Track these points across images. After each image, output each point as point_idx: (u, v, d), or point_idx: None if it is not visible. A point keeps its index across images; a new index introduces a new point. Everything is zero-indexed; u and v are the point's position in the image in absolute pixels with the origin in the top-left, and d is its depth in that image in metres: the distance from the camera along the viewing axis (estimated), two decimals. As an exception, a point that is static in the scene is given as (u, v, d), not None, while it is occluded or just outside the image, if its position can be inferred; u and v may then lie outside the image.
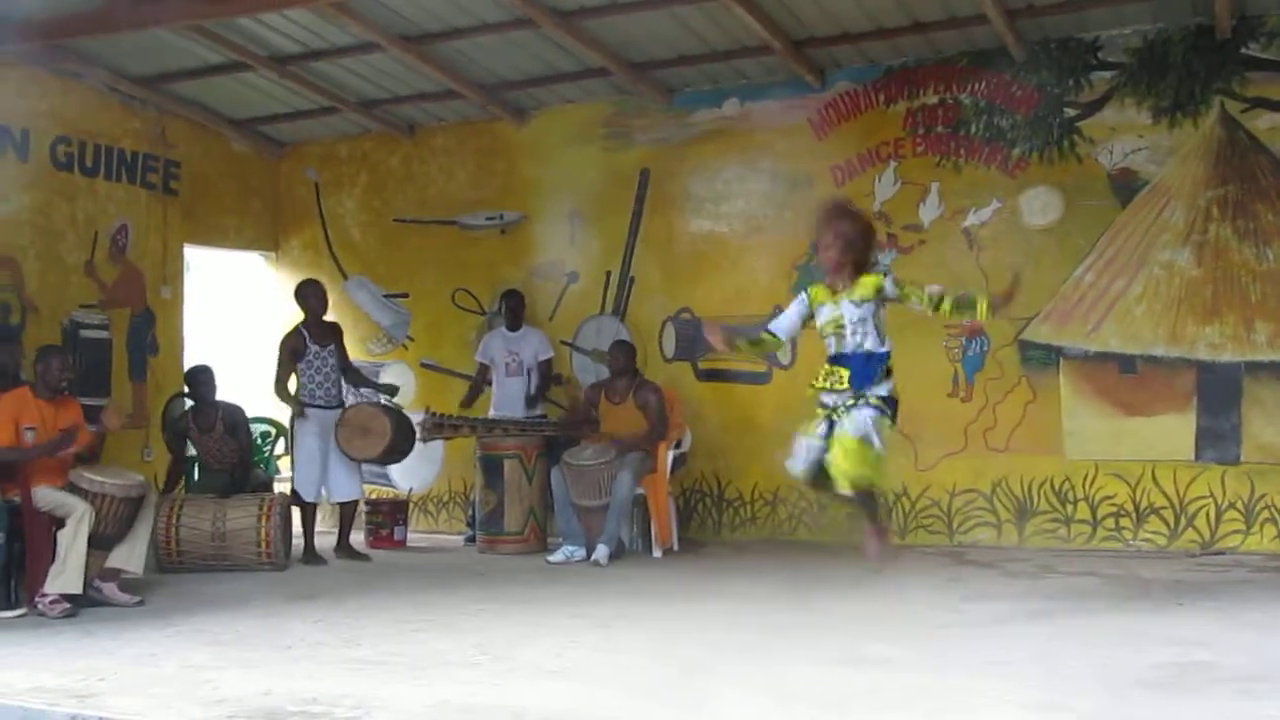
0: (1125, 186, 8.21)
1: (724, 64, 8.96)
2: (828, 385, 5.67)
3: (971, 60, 8.62)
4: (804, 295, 5.86)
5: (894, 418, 5.67)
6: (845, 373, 5.63)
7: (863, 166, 8.91)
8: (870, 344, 5.65)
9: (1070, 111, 8.36)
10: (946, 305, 5.61)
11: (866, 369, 5.62)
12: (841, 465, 5.46)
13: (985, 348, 8.52)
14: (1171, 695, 4.21)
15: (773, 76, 9.07)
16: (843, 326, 5.66)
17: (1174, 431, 8.02)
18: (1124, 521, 8.12)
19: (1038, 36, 8.35)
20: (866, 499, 5.66)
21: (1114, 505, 8.14)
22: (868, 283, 5.67)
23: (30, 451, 6.61)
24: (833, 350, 5.74)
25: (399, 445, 8.58)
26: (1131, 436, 8.12)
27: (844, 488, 5.52)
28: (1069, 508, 8.25)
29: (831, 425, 5.62)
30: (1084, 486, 8.22)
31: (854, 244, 5.70)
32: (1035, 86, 8.45)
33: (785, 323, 5.88)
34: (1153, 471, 8.05)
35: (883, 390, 5.62)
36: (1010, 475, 8.41)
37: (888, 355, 5.68)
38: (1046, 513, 8.31)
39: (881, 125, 8.86)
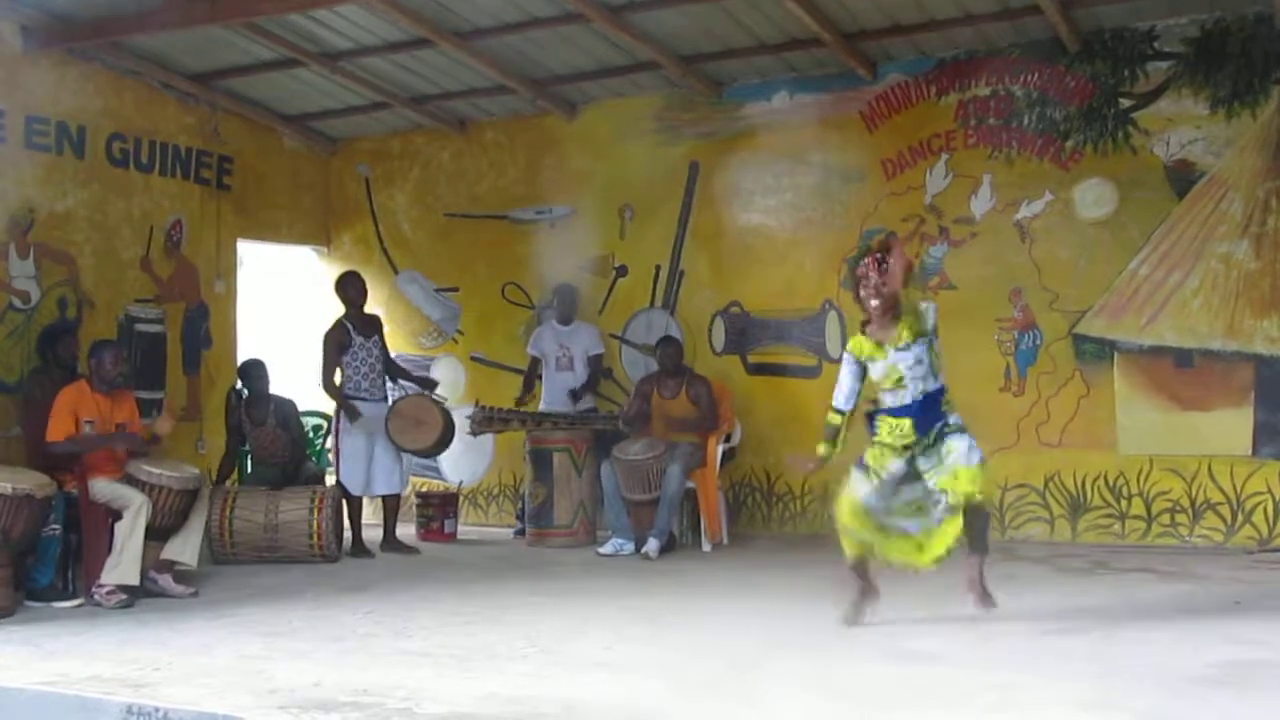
0: (1181, 178, 8.09)
1: (774, 57, 8.92)
2: (892, 442, 5.40)
3: (1024, 51, 8.52)
4: (849, 355, 5.53)
5: None
6: (907, 423, 5.37)
7: (914, 159, 8.84)
8: (928, 384, 5.41)
9: (1125, 102, 8.25)
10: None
11: (927, 411, 5.39)
12: (966, 487, 5.28)
13: (1038, 341, 8.44)
14: (1228, 694, 4.15)
15: (823, 69, 9.02)
16: (902, 379, 5.39)
17: (1231, 426, 7.89)
18: (1180, 518, 8.01)
19: (1091, 26, 8.24)
20: (982, 520, 5.45)
21: (1169, 501, 8.04)
22: (907, 323, 5.37)
23: (89, 443, 6.70)
24: (890, 404, 5.45)
25: (447, 437, 8.62)
26: (1187, 431, 8.01)
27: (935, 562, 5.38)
28: (1123, 503, 8.16)
29: (900, 483, 5.44)
30: (1138, 482, 8.12)
31: (899, 285, 5.38)
32: (1089, 77, 8.35)
33: (849, 391, 5.52)
34: (1209, 467, 7.93)
35: (955, 418, 5.44)
36: (1063, 470, 8.32)
37: (943, 389, 5.47)
38: (1100, 508, 8.22)
39: (933, 117, 8.79)
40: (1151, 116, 8.18)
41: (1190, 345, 8.03)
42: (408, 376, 9.02)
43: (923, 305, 5.46)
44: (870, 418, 5.52)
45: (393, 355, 9.09)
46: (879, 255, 5.39)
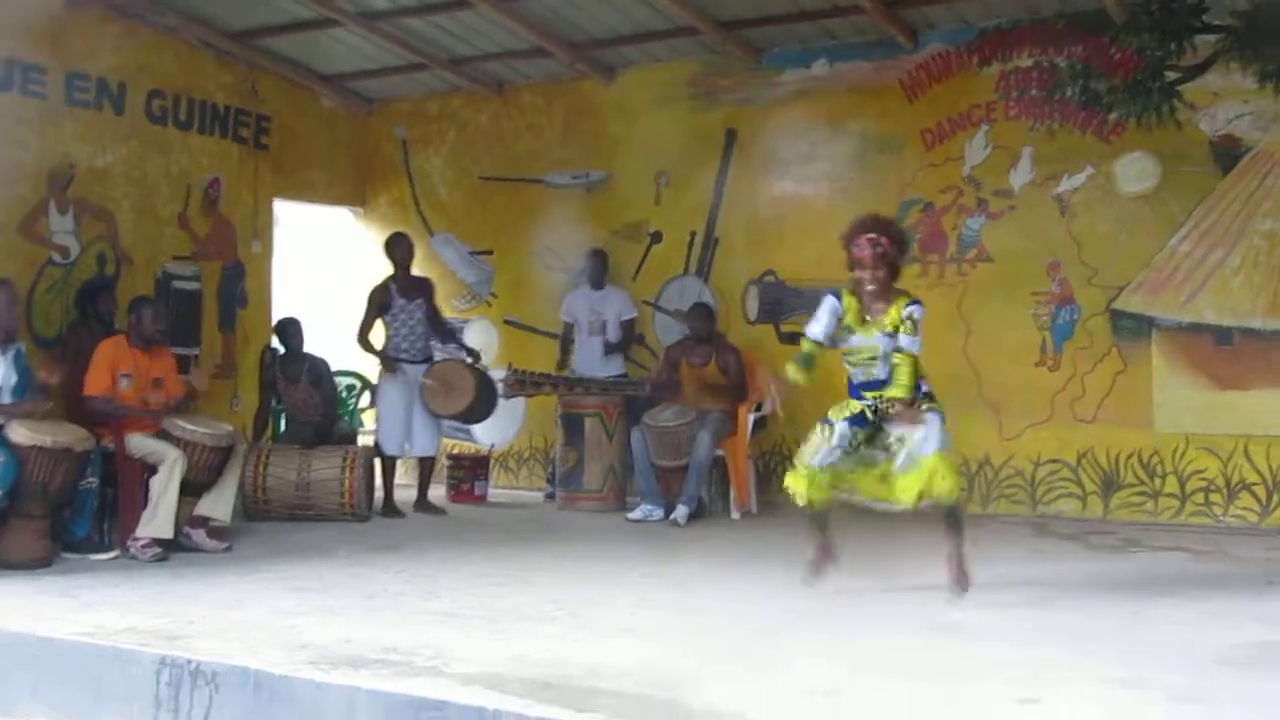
0: (1227, 153, 7.97)
1: (813, 24, 8.85)
2: (853, 410, 5.51)
3: (1069, 22, 8.41)
4: (837, 304, 5.48)
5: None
6: (869, 396, 5.48)
7: (953, 130, 8.76)
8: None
9: (1171, 75, 8.12)
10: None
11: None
12: (932, 485, 5.27)
13: (1075, 316, 8.36)
14: (1260, 673, 4.13)
15: (863, 37, 8.93)
16: (875, 359, 5.44)
17: (1270, 406, 7.79)
18: (1214, 497, 7.94)
19: (1139, -2, 8.14)
20: (955, 515, 5.43)
21: (1204, 480, 7.97)
22: (894, 313, 5.37)
23: (126, 410, 6.78)
24: (859, 379, 5.53)
25: (480, 406, 8.62)
26: (1225, 410, 7.92)
27: (910, 504, 5.36)
28: (1157, 481, 8.10)
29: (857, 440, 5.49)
30: (1173, 460, 8.05)
31: (895, 263, 5.44)
32: (1135, 49, 8.23)
33: (825, 327, 5.49)
34: (1246, 447, 7.85)
35: (925, 386, 5.44)
36: (1097, 446, 8.26)
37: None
38: (1133, 486, 8.16)
39: (973, 88, 8.70)
40: (1198, 90, 8.05)
41: (1230, 323, 7.93)
42: (455, 340, 8.97)
43: (913, 309, 5.37)
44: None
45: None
46: (873, 237, 5.39)
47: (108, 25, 8.70)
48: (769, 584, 5.82)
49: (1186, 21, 8.08)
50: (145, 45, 8.99)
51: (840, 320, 5.48)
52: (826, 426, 5.54)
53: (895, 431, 5.44)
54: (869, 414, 5.50)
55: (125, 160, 8.85)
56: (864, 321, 5.44)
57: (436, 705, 3.68)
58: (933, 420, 5.38)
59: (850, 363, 5.56)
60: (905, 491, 5.37)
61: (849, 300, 5.49)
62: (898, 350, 5.37)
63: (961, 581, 5.35)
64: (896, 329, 5.36)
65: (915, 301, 5.44)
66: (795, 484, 5.51)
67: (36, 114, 8.24)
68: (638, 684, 3.88)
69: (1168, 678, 4.02)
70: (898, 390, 5.36)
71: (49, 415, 6.54)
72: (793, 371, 5.58)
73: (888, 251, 5.38)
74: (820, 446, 5.50)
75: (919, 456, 5.34)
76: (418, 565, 6.35)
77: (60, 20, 8.34)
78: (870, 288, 5.41)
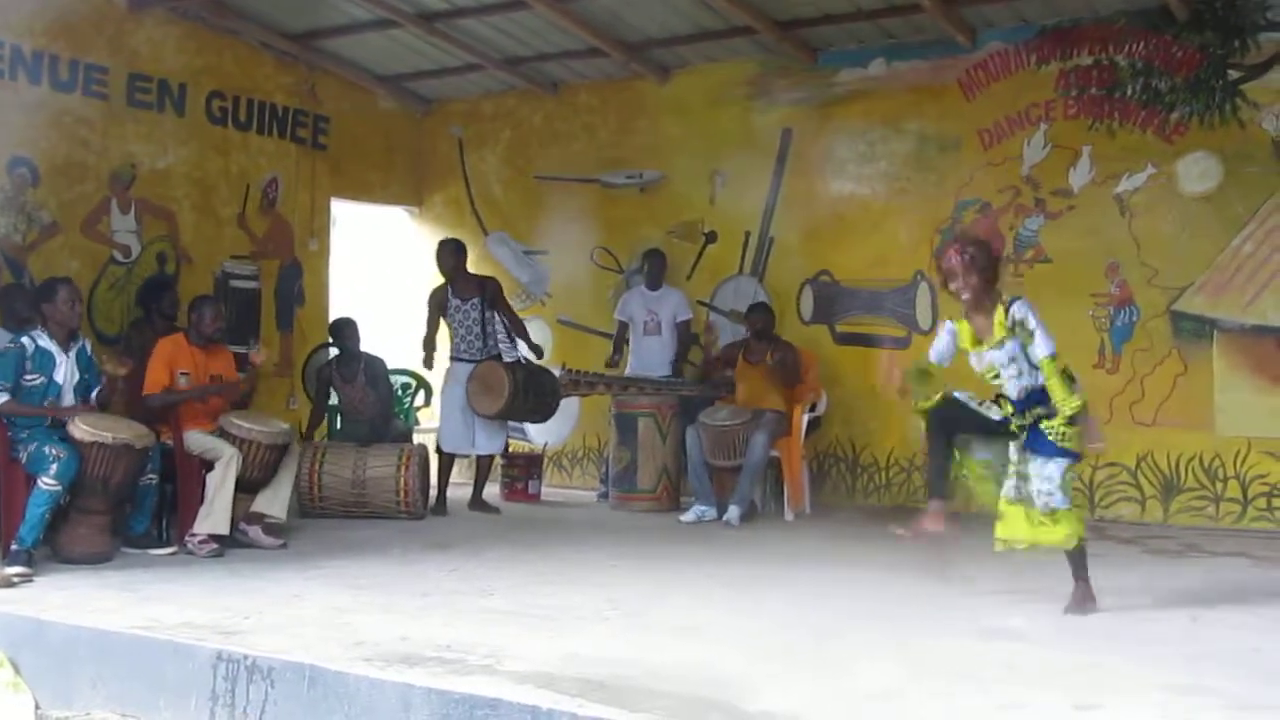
0: (1291, 153, 7.86)
1: (871, 23, 8.79)
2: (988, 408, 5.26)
3: (1130, 20, 8.30)
4: (953, 327, 5.31)
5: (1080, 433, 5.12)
6: (1009, 409, 5.21)
7: (1011, 129, 8.67)
8: (1029, 379, 5.12)
9: (1234, 74, 7.99)
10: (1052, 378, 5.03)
11: (1030, 408, 5.14)
12: (1039, 536, 5.10)
13: (1134, 318, 8.26)
14: (1324, 683, 4.05)
15: (921, 35, 8.87)
16: (998, 375, 5.17)
17: (1334, 410, 7.68)
18: (1276, 502, 7.80)
19: (1202, -5, 8.02)
20: (1074, 556, 5.19)
21: (1266, 485, 7.83)
22: (999, 322, 5.09)
23: (184, 395, 6.86)
24: (1013, 395, 5.20)
25: (523, 405, 8.49)
26: (1289, 414, 7.80)
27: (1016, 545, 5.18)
28: (1218, 485, 7.97)
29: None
30: (1235, 464, 7.92)
31: (986, 270, 5.15)
32: (1197, 47, 8.10)
33: (943, 351, 5.33)
34: (1310, 451, 7.73)
35: (1064, 430, 5.06)
36: (1156, 450, 8.14)
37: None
38: (1194, 490, 8.04)
39: (1032, 86, 8.61)
40: (1261, 89, 7.92)
41: (1294, 326, 7.81)
42: (523, 338, 8.81)
43: (1016, 308, 5.08)
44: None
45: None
46: (959, 245, 5.20)
47: (170, 27, 8.81)
48: (824, 586, 5.80)
49: (1250, 19, 7.94)
50: (206, 47, 9.10)
51: (958, 344, 5.30)
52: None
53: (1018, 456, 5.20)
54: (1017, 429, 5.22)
55: (186, 160, 8.96)
56: (978, 342, 5.21)
57: (490, 704, 3.69)
58: (1055, 467, 5.09)
59: (996, 385, 5.28)
60: (1006, 529, 5.19)
61: (963, 326, 5.28)
62: (1033, 365, 5.08)
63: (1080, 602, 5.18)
64: (1004, 339, 5.09)
65: (1016, 299, 5.14)
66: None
67: (99, 114, 8.37)
68: (691, 685, 3.87)
69: (1229, 685, 3.96)
70: (1059, 414, 5.06)
71: (112, 411, 6.63)
72: (914, 381, 5.42)
73: (976, 257, 5.14)
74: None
75: (1029, 503, 5.14)
76: (472, 563, 6.38)
77: (123, 21, 8.47)
78: (965, 296, 5.20)
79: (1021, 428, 5.17)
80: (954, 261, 5.17)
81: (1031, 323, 5.04)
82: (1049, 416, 5.08)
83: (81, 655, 4.65)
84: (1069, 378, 5.10)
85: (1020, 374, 5.12)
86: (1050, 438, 5.08)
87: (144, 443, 6.36)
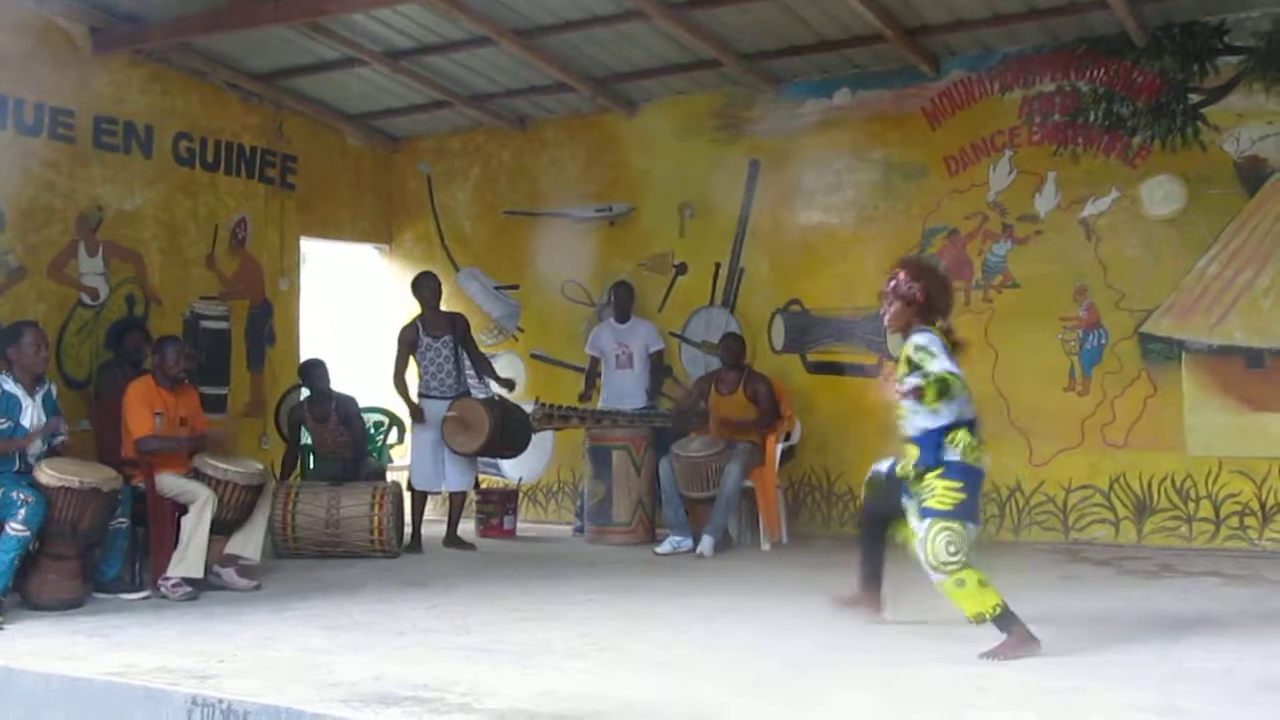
0: (1252, 175, 7.94)
1: (835, 54, 8.87)
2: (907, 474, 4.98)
3: (1090, 46, 8.41)
4: (935, 336, 4.92)
5: (969, 496, 4.77)
6: (915, 452, 4.92)
7: (976, 156, 8.75)
8: (923, 419, 4.83)
9: (1194, 98, 8.11)
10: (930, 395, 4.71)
11: (923, 449, 4.86)
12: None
13: (1103, 341, 8.32)
14: (1298, 701, 4.07)
15: (885, 65, 8.95)
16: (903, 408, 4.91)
17: (1303, 428, 7.74)
18: (1249, 520, 7.86)
19: (1160, 21, 8.12)
20: (996, 622, 4.76)
21: (1238, 504, 7.89)
22: (903, 354, 4.90)
23: (177, 444, 6.86)
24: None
25: (499, 442, 8.53)
26: (1258, 433, 7.85)
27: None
28: (1191, 505, 8.02)
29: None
30: (1207, 484, 7.98)
31: (910, 301, 4.93)
32: (1157, 72, 8.22)
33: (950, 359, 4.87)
34: (1280, 469, 7.79)
35: (936, 485, 4.78)
36: (1129, 471, 8.20)
37: (945, 429, 4.81)
38: (1166, 510, 8.09)
39: (996, 114, 8.70)
40: (1221, 112, 8.04)
41: (1261, 345, 7.88)
42: (490, 374, 8.82)
43: (917, 336, 4.89)
44: None
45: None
46: (892, 271, 5.04)
47: (135, 69, 8.80)
48: (801, 616, 5.79)
49: (1208, 43, 8.07)
50: (172, 88, 9.08)
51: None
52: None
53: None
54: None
55: (153, 202, 8.93)
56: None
57: (467, 742, 3.67)
58: (923, 528, 4.82)
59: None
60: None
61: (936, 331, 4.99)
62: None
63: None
64: (905, 374, 4.85)
65: (918, 329, 4.91)
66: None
67: (66, 157, 8.33)
68: (669, 719, 3.85)
69: (1205, 706, 3.97)
70: (904, 461, 4.95)
71: (75, 454, 6.58)
72: (933, 390, 4.89)
73: (900, 284, 4.95)
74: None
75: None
76: (447, 601, 6.34)
77: (88, 64, 8.45)
78: (885, 322, 5.10)
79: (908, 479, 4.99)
80: (886, 286, 5.05)
81: (935, 349, 4.79)
82: (928, 466, 4.84)
83: (53, 703, 4.59)
84: (951, 395, 4.74)
85: (916, 411, 4.84)
86: (913, 489, 4.90)
87: (112, 486, 6.31)
